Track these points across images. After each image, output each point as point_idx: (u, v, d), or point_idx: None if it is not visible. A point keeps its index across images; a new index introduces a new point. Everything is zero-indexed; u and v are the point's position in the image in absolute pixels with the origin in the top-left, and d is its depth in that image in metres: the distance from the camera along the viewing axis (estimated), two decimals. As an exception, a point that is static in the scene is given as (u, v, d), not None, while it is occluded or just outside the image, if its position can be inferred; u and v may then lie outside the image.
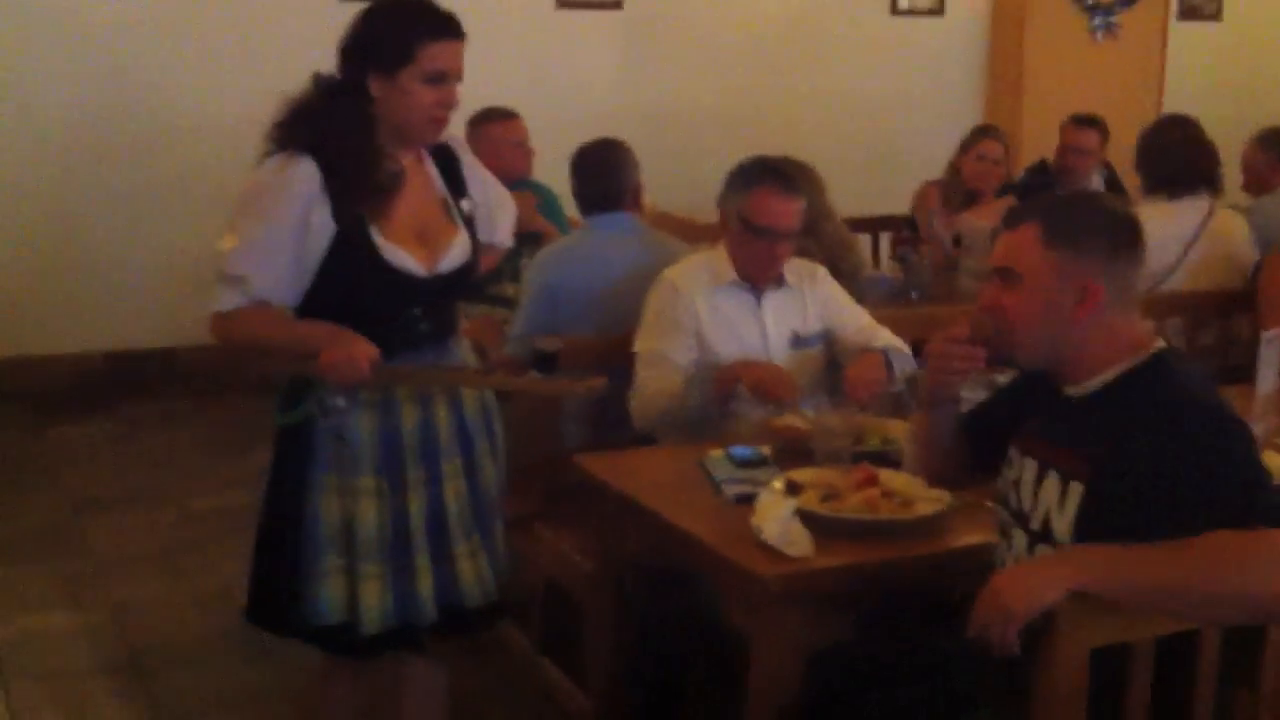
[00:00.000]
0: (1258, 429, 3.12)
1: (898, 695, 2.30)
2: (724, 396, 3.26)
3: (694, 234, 5.68)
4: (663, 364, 3.32)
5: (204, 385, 6.49)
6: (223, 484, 5.25)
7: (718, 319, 3.40)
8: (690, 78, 7.53)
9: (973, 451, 2.50)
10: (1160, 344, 2.24)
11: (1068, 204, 2.40)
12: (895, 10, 7.99)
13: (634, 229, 3.94)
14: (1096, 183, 6.20)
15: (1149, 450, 2.10)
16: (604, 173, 3.97)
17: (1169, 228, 4.62)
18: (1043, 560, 2.18)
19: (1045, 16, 8.02)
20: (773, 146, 4.10)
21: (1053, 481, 2.23)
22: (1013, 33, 8.08)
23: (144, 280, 6.62)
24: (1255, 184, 5.25)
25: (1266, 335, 3.29)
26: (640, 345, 3.39)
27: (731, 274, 3.43)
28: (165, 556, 4.57)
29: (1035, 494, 2.26)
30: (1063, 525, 2.19)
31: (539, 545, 3.41)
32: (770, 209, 3.36)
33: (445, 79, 2.63)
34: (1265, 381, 3.22)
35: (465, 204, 2.83)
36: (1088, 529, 2.15)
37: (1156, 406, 2.14)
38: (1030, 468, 2.29)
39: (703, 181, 7.06)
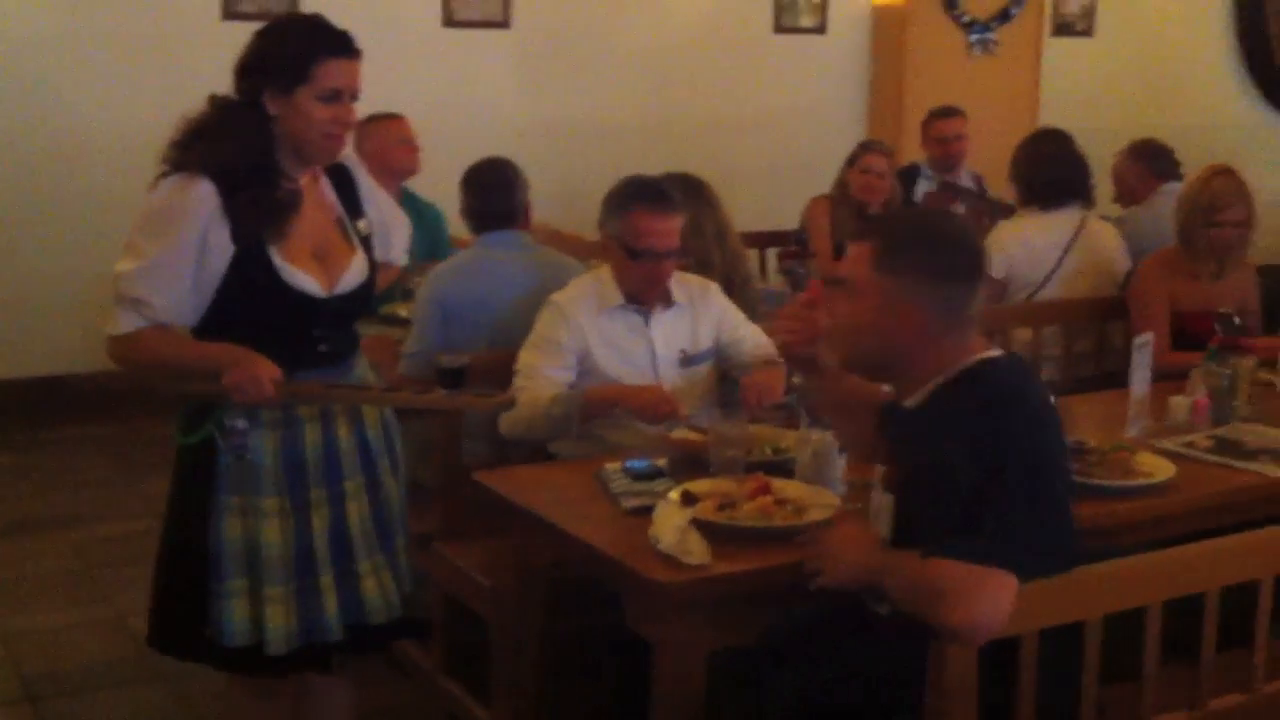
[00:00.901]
0: (1133, 430, 3.26)
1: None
2: (589, 416, 3.30)
3: (584, 251, 5.72)
4: (536, 377, 3.35)
5: (97, 412, 6.40)
6: (118, 511, 5.20)
7: (606, 342, 3.43)
8: (579, 95, 7.58)
9: None
10: (984, 354, 2.30)
11: (903, 229, 2.45)
12: (779, 28, 8.12)
13: (525, 246, 3.97)
14: (966, 181, 6.37)
15: (928, 470, 2.22)
16: (496, 191, 4.00)
17: (1043, 237, 4.77)
18: (860, 545, 2.31)
19: (924, 33, 8.20)
20: (661, 162, 4.17)
21: (878, 492, 2.39)
22: (893, 49, 8.24)
23: (35, 305, 6.50)
24: (1126, 195, 5.42)
25: (1138, 341, 3.41)
26: (520, 359, 3.42)
27: (618, 297, 3.46)
28: (60, 584, 4.51)
29: (874, 502, 2.42)
30: (886, 535, 2.34)
31: (439, 564, 3.42)
32: (648, 230, 3.38)
33: (341, 97, 2.64)
34: (1139, 384, 3.33)
35: (362, 224, 2.84)
36: (901, 541, 2.29)
37: (939, 430, 2.24)
38: (877, 475, 2.43)
39: (592, 198, 7.05)
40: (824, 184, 6.21)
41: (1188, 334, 4.09)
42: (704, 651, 2.49)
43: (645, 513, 2.65)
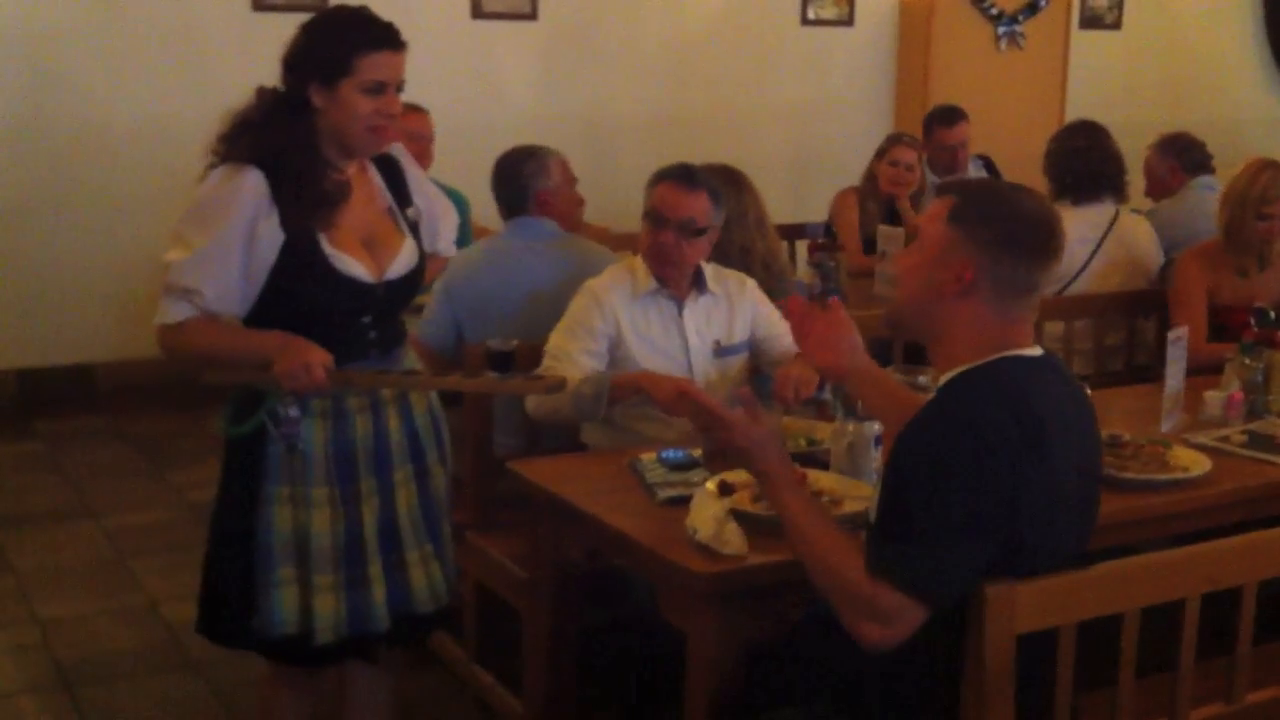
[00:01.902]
0: (1167, 424, 3.26)
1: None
2: (615, 400, 3.30)
3: (611, 243, 5.74)
4: (565, 360, 3.36)
5: (125, 402, 6.44)
6: (147, 501, 5.24)
7: (639, 329, 3.44)
8: (606, 87, 7.60)
9: None
10: (1016, 351, 2.23)
11: (989, 191, 2.43)
12: (805, 20, 8.12)
13: (552, 235, 3.96)
14: (975, 168, 6.34)
15: (896, 460, 2.18)
16: (508, 178, 4.01)
17: (1075, 231, 4.74)
18: (766, 452, 2.31)
19: (951, 26, 8.19)
20: (688, 155, 4.15)
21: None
22: (920, 42, 8.23)
23: (60, 296, 6.54)
24: (1157, 188, 5.40)
25: (1172, 335, 3.39)
26: (551, 341, 3.43)
27: (651, 282, 3.47)
28: (89, 573, 4.54)
29: None
30: (872, 512, 2.26)
31: (472, 554, 3.44)
32: (662, 198, 3.42)
33: (385, 89, 2.65)
34: (1173, 379, 3.32)
35: (410, 212, 2.85)
36: (880, 519, 2.20)
37: (921, 420, 2.18)
38: None
39: (620, 190, 7.18)
40: (849, 177, 6.21)
41: (1226, 327, 4.08)
42: (737, 643, 2.49)
43: (681, 503, 2.66)
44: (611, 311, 3.42)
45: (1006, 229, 2.22)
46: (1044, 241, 2.25)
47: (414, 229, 2.85)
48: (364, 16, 2.69)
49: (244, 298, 2.64)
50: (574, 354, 3.37)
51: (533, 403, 3.39)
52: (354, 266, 2.67)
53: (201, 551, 4.62)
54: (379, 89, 2.64)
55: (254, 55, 6.92)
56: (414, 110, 5.10)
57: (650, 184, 3.51)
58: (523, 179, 3.97)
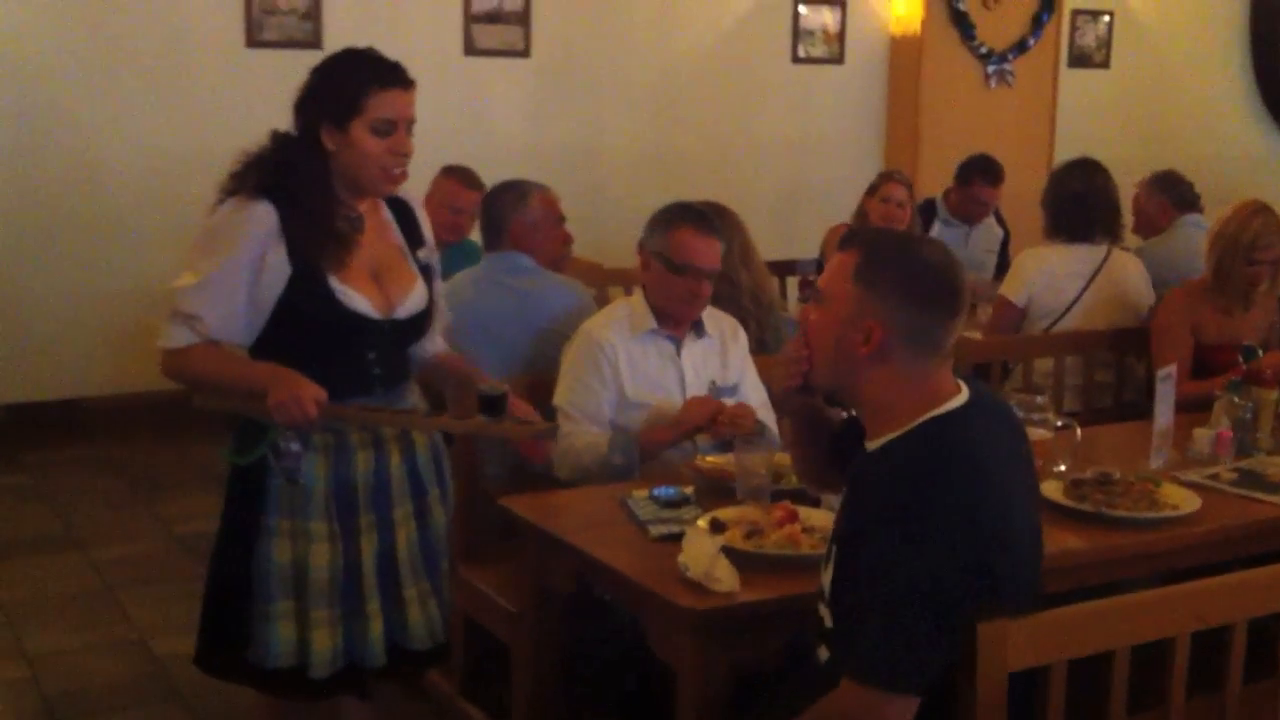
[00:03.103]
0: (1156, 462, 3.27)
1: None
2: (647, 458, 3.29)
3: (602, 278, 5.77)
4: (586, 419, 3.36)
5: (111, 435, 6.42)
6: (133, 533, 5.22)
7: (637, 369, 3.44)
8: (598, 124, 7.62)
9: (841, 463, 2.44)
10: (942, 408, 2.17)
11: (889, 245, 2.32)
12: (796, 58, 8.16)
13: (525, 270, 3.94)
14: (988, 220, 6.40)
15: (864, 542, 2.10)
16: (487, 210, 4.05)
17: (1066, 266, 4.78)
18: None
19: (941, 64, 8.24)
20: (679, 191, 4.20)
21: (833, 549, 2.25)
22: (910, 80, 8.28)
23: (50, 330, 6.53)
24: (1146, 226, 5.43)
25: (1161, 373, 3.41)
26: (561, 399, 3.42)
27: (650, 322, 3.47)
28: (76, 605, 4.52)
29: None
30: (827, 586, 2.23)
31: (459, 586, 3.42)
32: (690, 247, 3.42)
33: (395, 128, 2.65)
34: (1162, 417, 3.33)
35: (422, 254, 2.86)
36: (836, 599, 2.18)
37: (883, 495, 2.11)
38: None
39: (609, 225, 7.21)
40: (840, 214, 6.23)
41: (1210, 365, 4.09)
42: (727, 677, 2.49)
43: (673, 540, 2.66)
44: (611, 350, 3.42)
45: (911, 286, 2.18)
46: (954, 297, 2.21)
47: (425, 271, 2.85)
48: (371, 56, 2.70)
49: (249, 326, 2.65)
50: (589, 406, 3.36)
51: (565, 472, 3.37)
52: (360, 302, 2.68)
53: (189, 583, 4.62)
54: (389, 128, 2.65)
55: (247, 91, 7.02)
56: (471, 186, 5.09)
57: (664, 225, 3.47)
58: (499, 210, 3.99)
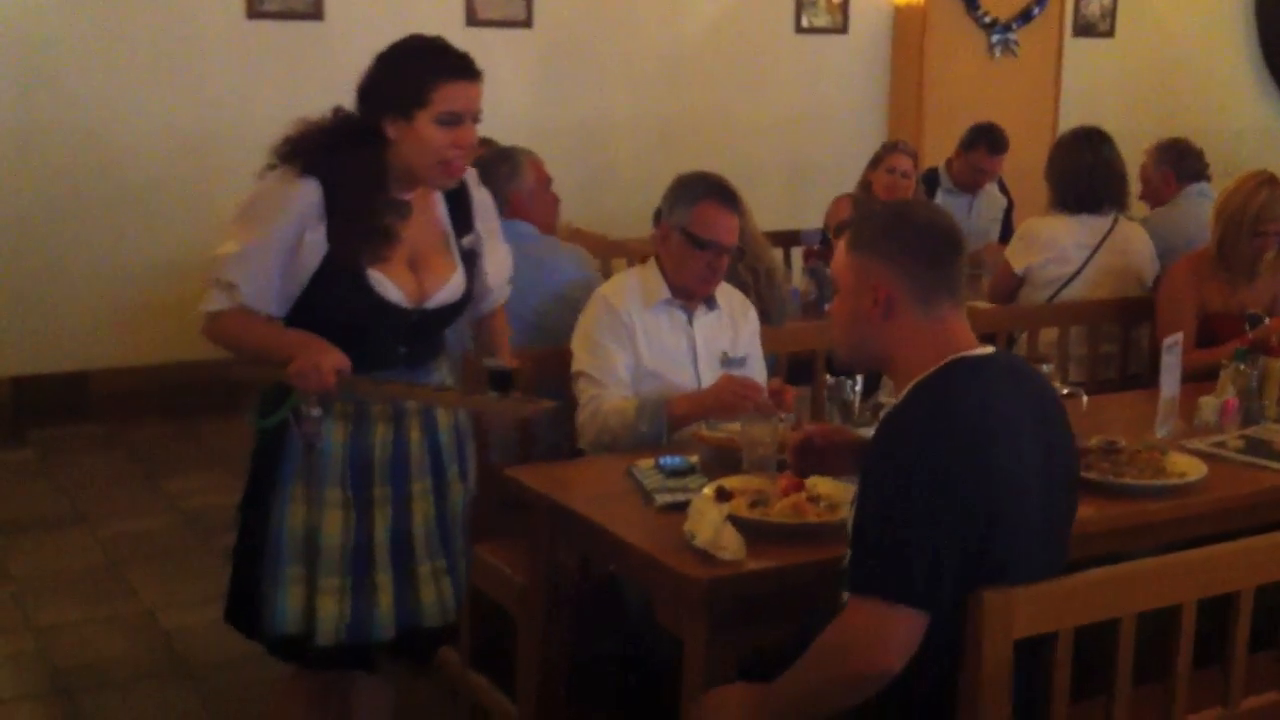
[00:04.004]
0: (1162, 431, 3.26)
1: None
2: (676, 429, 3.26)
3: (606, 250, 5.76)
4: (609, 383, 3.34)
5: (116, 410, 6.44)
6: (141, 508, 5.23)
7: (651, 339, 3.43)
8: (601, 95, 7.60)
9: None
10: (963, 353, 2.25)
11: (874, 213, 2.46)
12: (799, 28, 8.13)
13: (526, 237, 3.91)
14: (990, 188, 6.38)
15: (874, 465, 2.20)
16: (497, 178, 4.02)
17: (1072, 236, 4.77)
18: (735, 705, 2.30)
19: (945, 34, 8.21)
20: (683, 162, 4.17)
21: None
22: (914, 50, 8.25)
23: (56, 303, 6.53)
24: (1152, 195, 5.41)
25: (1167, 342, 3.40)
26: (582, 364, 3.40)
27: (664, 292, 3.46)
28: (84, 581, 4.53)
29: None
30: (849, 525, 2.26)
31: (469, 555, 3.43)
32: (714, 222, 3.41)
33: (460, 120, 2.63)
34: (1168, 387, 3.33)
35: (467, 240, 2.84)
36: (853, 534, 2.22)
37: (896, 420, 2.21)
38: None
39: (612, 196, 7.21)
40: (844, 184, 6.22)
41: (1216, 335, 4.09)
42: (734, 648, 2.49)
43: (678, 509, 2.66)
44: (627, 316, 3.42)
45: (903, 239, 2.28)
46: (944, 243, 2.30)
47: (468, 257, 2.84)
48: (439, 46, 2.67)
49: (282, 298, 2.66)
50: (614, 369, 3.36)
51: (589, 437, 3.35)
52: (392, 291, 2.66)
53: (196, 558, 4.65)
54: (455, 120, 2.62)
55: (248, 62, 7.01)
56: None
57: (686, 197, 3.46)
58: (496, 182, 3.96)
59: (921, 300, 2.25)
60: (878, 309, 2.26)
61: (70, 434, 6.21)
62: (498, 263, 2.98)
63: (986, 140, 6.28)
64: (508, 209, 3.95)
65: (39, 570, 4.62)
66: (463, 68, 2.64)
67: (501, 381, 2.77)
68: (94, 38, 6.46)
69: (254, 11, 6.67)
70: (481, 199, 2.91)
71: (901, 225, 2.30)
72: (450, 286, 2.78)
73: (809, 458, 2.62)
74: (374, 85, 2.65)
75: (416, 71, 2.62)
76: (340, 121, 2.67)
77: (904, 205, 2.41)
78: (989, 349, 2.30)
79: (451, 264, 2.80)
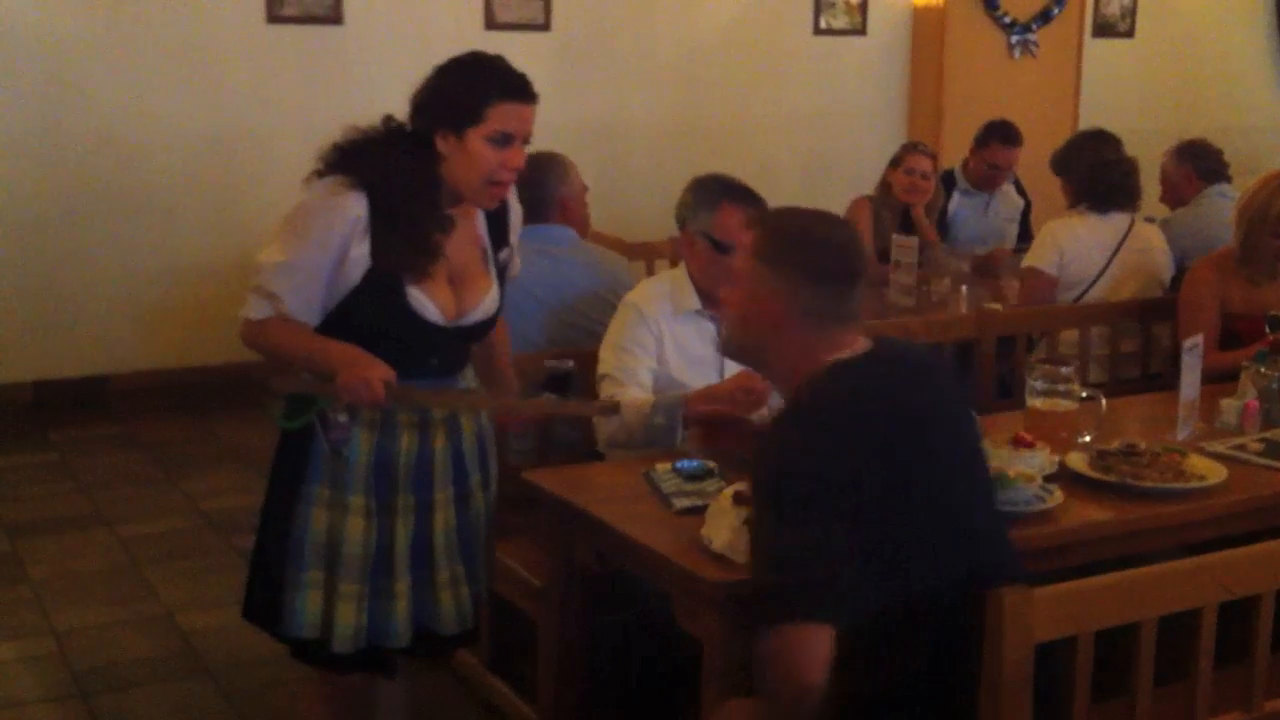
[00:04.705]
0: (1182, 433, 3.25)
1: None
2: (691, 424, 3.22)
3: (624, 251, 5.74)
4: (629, 381, 3.33)
5: (135, 412, 6.46)
6: (160, 510, 5.24)
7: (678, 345, 3.39)
8: (619, 97, 7.61)
9: None
10: (836, 357, 2.24)
11: (787, 223, 2.40)
12: (818, 30, 8.12)
13: (571, 241, 3.96)
14: (1006, 189, 6.36)
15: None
16: (531, 183, 4.01)
17: (1093, 238, 4.76)
18: None
19: (964, 34, 8.19)
20: (701, 164, 4.16)
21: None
22: (933, 51, 8.23)
23: (75, 307, 6.56)
24: (1172, 196, 5.39)
25: (1187, 344, 3.39)
26: (607, 365, 3.38)
27: (694, 302, 3.41)
28: (104, 582, 4.55)
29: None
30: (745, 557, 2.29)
31: (491, 561, 3.43)
32: (738, 225, 3.31)
33: (511, 141, 2.62)
34: (1188, 387, 3.31)
35: (503, 254, 2.84)
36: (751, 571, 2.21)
37: (754, 456, 2.21)
38: None
39: (630, 199, 7.21)
40: (862, 186, 6.21)
41: (1237, 336, 4.07)
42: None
43: (696, 513, 2.66)
44: (656, 325, 3.38)
45: (807, 260, 2.28)
46: (848, 268, 2.31)
47: (501, 271, 2.84)
48: (499, 65, 2.66)
49: (323, 309, 2.65)
50: (637, 372, 3.34)
51: (603, 436, 3.35)
52: (430, 309, 2.65)
53: (216, 559, 4.66)
54: (506, 140, 2.62)
55: (267, 66, 7.03)
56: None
57: (708, 201, 3.39)
58: (548, 185, 3.96)
59: (811, 320, 2.27)
60: (768, 319, 2.29)
61: (90, 436, 6.23)
62: (512, 274, 3.00)
63: (999, 134, 6.25)
64: (557, 212, 3.98)
65: (59, 571, 4.63)
66: (520, 89, 2.63)
67: (561, 383, 2.76)
68: (114, 41, 6.49)
69: (273, 15, 6.69)
70: (516, 213, 2.90)
71: (801, 242, 2.31)
72: (486, 303, 2.78)
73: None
74: (430, 97, 2.64)
75: (474, 88, 2.60)
76: (391, 132, 2.66)
77: (812, 221, 2.35)
78: (866, 345, 2.29)
79: (489, 280, 2.79)
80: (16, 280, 6.47)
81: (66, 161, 6.46)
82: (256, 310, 2.65)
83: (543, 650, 3.14)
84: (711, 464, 2.96)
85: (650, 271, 5.66)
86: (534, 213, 3.99)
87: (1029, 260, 4.90)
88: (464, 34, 7.12)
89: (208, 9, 6.61)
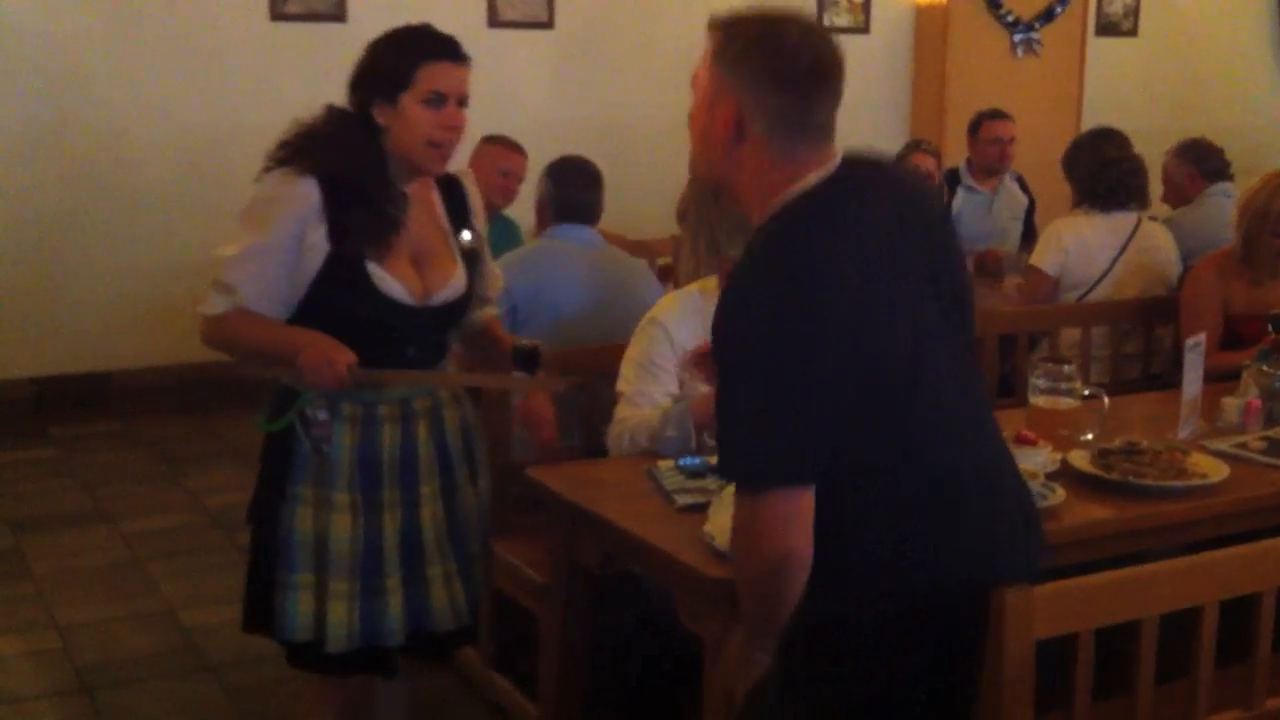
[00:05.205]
0: (1184, 431, 3.25)
1: None
2: (700, 428, 3.20)
3: (628, 249, 5.75)
4: (646, 405, 3.27)
5: (137, 408, 6.47)
6: (162, 506, 5.26)
7: (703, 369, 3.32)
8: (622, 94, 7.61)
9: None
10: (801, 184, 2.04)
11: (749, 23, 2.14)
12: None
13: (596, 244, 3.99)
14: (1010, 186, 6.36)
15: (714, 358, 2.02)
16: (585, 185, 4.05)
17: (1099, 238, 4.76)
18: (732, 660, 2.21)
19: (967, 33, 8.19)
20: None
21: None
22: (936, 49, 8.23)
23: (76, 303, 6.57)
24: (1175, 195, 5.39)
25: (1190, 342, 3.38)
26: (625, 385, 3.34)
27: None
28: (106, 578, 4.56)
29: None
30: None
31: (489, 559, 3.44)
32: None
33: (444, 101, 2.64)
34: (1190, 386, 3.31)
35: (466, 236, 2.84)
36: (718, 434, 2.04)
37: (719, 304, 2.00)
38: None
39: (635, 197, 7.19)
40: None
41: (1240, 336, 4.07)
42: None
43: (698, 510, 2.66)
44: (680, 346, 3.31)
45: (768, 62, 2.06)
46: (817, 70, 2.08)
47: (469, 257, 2.83)
48: (424, 30, 2.70)
49: (285, 301, 2.65)
50: (654, 395, 3.29)
51: (614, 447, 3.30)
52: (396, 289, 2.66)
53: (218, 556, 4.67)
54: (439, 100, 2.63)
55: (271, 64, 7.03)
56: (502, 144, 5.14)
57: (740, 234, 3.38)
58: (599, 193, 4.01)
59: (774, 128, 2.05)
60: (729, 130, 2.07)
61: (92, 432, 6.25)
62: (492, 275, 2.99)
63: (986, 114, 6.29)
64: (597, 220, 4.04)
65: (61, 567, 4.64)
66: (446, 49, 2.66)
67: (528, 359, 2.77)
68: (116, 38, 6.49)
69: (277, 13, 6.70)
70: (476, 198, 2.91)
71: (768, 45, 2.07)
72: (454, 284, 2.77)
73: None
74: (362, 72, 2.68)
75: (401, 53, 2.64)
76: (332, 116, 2.69)
77: (780, 22, 2.11)
78: (831, 166, 2.07)
79: (453, 261, 2.79)
80: (18, 276, 6.48)
81: (69, 158, 6.47)
82: (215, 305, 2.66)
83: (545, 648, 3.14)
84: (713, 460, 2.96)
85: (651, 268, 5.67)
86: (579, 214, 4.04)
87: (1033, 259, 4.91)
88: (467, 31, 6.99)
89: (211, 6, 6.62)
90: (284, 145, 2.66)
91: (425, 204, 2.78)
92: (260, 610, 2.75)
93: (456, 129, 2.68)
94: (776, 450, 1.94)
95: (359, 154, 2.65)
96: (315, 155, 2.62)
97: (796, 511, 1.94)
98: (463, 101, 2.69)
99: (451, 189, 2.85)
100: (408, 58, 2.63)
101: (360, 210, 2.62)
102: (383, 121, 2.64)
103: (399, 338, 2.72)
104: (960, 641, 2.10)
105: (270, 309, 2.65)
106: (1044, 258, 4.83)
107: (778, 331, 1.92)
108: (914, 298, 2.04)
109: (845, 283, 1.95)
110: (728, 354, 1.97)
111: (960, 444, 2.09)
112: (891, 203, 2.12)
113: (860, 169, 2.13)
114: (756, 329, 1.93)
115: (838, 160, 2.09)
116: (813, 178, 2.05)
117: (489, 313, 3.01)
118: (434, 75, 2.63)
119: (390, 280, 2.66)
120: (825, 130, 2.10)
